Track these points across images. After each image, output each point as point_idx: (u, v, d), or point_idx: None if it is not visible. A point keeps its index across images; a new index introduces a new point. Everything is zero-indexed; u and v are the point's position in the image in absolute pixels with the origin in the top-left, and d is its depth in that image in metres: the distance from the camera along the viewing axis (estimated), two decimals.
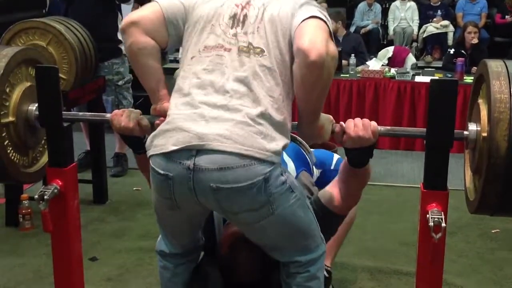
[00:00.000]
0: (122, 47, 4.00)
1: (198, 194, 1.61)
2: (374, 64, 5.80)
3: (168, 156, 1.59)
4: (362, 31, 8.32)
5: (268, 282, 1.98)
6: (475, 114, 1.81)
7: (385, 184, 4.20)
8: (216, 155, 1.55)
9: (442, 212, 1.77)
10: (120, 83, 4.04)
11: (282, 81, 1.65)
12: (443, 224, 1.74)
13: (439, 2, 8.52)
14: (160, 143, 1.62)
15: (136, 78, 1.89)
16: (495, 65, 1.67)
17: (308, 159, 2.31)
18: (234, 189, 1.56)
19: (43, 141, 2.24)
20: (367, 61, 6.08)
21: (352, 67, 5.61)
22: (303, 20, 1.63)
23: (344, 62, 5.67)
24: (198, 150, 1.56)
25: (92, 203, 3.80)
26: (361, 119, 1.76)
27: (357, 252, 3.12)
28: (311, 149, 2.41)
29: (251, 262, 1.93)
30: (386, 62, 6.47)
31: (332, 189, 1.98)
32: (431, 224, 1.73)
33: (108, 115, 1.94)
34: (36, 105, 2.06)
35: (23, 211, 3.38)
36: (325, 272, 2.52)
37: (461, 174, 1.96)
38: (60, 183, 2.05)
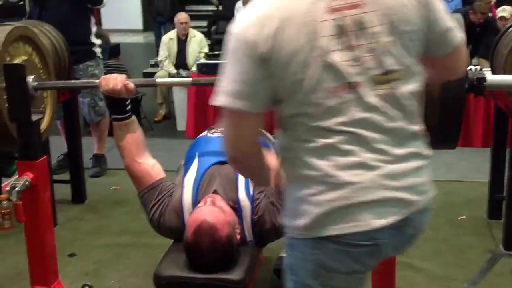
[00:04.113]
0: (96, 50, 4.08)
1: (395, 248, 1.42)
2: None
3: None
4: None
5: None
6: None
7: None
8: None
9: None
10: None
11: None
12: None
13: None
14: (352, 219, 1.30)
15: None
16: None
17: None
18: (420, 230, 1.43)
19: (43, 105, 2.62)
20: None
21: None
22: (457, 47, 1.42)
23: None
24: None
25: (71, 203, 3.85)
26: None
27: None
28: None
29: (213, 248, 2.00)
30: None
31: None
32: None
33: (96, 81, 2.15)
34: (32, 76, 2.23)
35: (3, 211, 3.43)
36: None
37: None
38: (31, 176, 2.14)
